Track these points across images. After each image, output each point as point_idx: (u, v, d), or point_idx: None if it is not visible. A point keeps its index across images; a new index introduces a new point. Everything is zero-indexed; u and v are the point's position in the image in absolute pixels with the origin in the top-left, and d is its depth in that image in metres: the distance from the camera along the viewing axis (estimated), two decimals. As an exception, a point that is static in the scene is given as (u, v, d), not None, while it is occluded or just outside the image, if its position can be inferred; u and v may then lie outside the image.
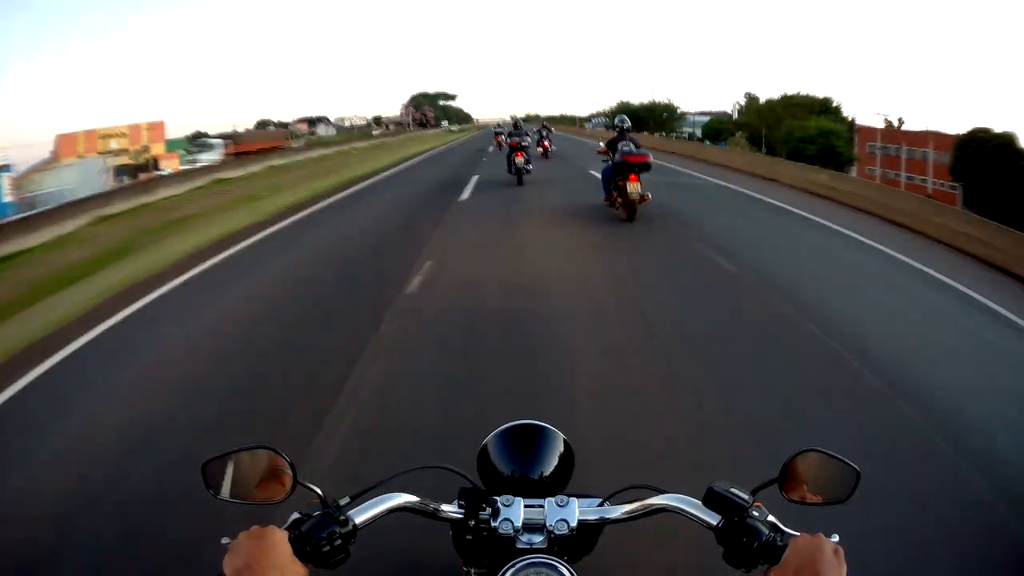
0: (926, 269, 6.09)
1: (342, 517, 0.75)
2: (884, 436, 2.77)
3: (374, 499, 0.81)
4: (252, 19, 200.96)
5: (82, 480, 2.53)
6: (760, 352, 3.66)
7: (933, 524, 2.17)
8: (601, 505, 0.87)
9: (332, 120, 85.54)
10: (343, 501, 0.77)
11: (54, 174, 21.39)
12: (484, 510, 0.83)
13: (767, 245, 6.86)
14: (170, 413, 3.06)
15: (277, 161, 19.86)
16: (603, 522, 0.86)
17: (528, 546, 0.81)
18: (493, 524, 0.82)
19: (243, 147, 32.46)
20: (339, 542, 0.74)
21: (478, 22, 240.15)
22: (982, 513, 2.28)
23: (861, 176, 24.02)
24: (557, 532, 0.82)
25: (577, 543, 0.85)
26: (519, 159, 11.22)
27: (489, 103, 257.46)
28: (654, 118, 47.11)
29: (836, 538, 0.70)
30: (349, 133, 64.53)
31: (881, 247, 6.91)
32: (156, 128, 31.87)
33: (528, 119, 58.48)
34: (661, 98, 50.62)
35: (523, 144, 11.40)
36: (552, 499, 0.85)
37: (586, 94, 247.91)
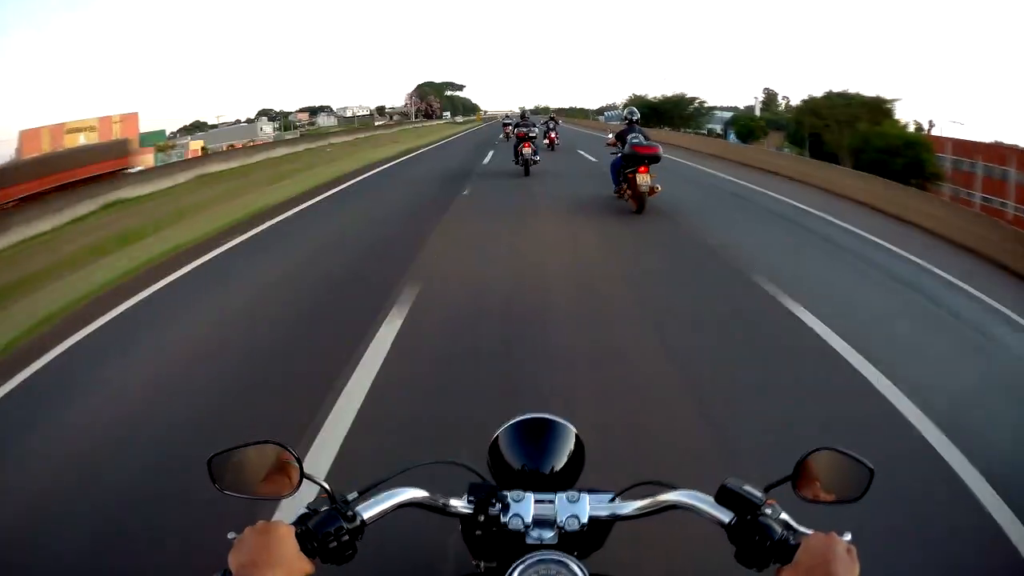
0: None
1: (350, 512, 0.76)
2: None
3: (382, 494, 0.81)
4: (259, 5, 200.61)
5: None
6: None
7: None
8: (612, 501, 0.88)
9: (335, 110, 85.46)
10: (351, 496, 0.78)
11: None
12: (494, 505, 0.83)
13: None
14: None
15: (213, 167, 14.94)
16: (614, 518, 0.86)
17: (538, 542, 0.82)
18: (503, 519, 0.83)
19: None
20: (347, 538, 0.74)
21: (488, 10, 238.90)
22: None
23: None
24: (568, 528, 0.82)
25: (587, 539, 0.86)
26: (526, 150, 11.34)
27: (498, 94, 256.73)
28: (679, 112, 44.75)
29: (848, 536, 0.70)
30: (348, 124, 64.33)
31: None
32: (129, 121, 28.42)
33: (537, 111, 58.13)
34: (674, 92, 48.60)
35: (530, 135, 11.52)
36: (563, 494, 0.85)
37: (597, 87, 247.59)
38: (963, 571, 2.00)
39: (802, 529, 0.75)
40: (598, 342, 3.66)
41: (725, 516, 0.79)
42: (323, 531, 0.73)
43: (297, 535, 0.71)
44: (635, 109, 8.40)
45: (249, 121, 72.61)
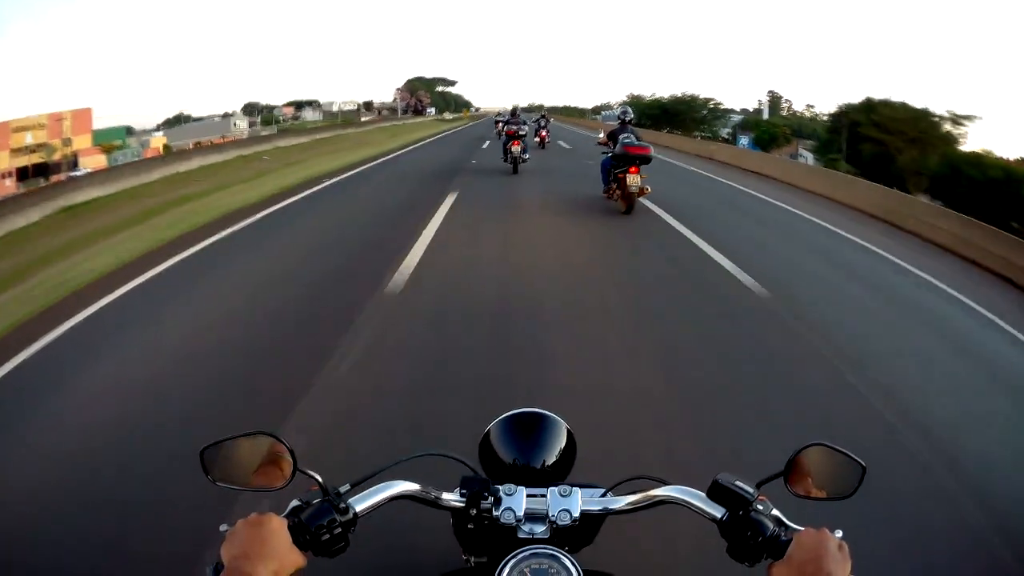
0: None
1: (342, 505, 0.77)
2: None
3: (375, 487, 0.82)
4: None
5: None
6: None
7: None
8: (604, 496, 0.90)
9: (323, 104, 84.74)
10: (343, 488, 0.79)
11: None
12: (486, 499, 0.85)
13: None
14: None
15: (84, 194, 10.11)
16: (606, 513, 0.88)
17: (530, 536, 0.84)
18: (495, 513, 0.84)
19: None
20: (339, 530, 0.76)
21: (482, 5, 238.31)
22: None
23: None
24: (560, 522, 0.84)
25: (578, 534, 0.88)
26: (515, 148, 11.42)
27: (490, 91, 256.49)
28: (691, 114, 41.48)
29: (840, 533, 0.73)
30: (333, 119, 63.04)
31: None
32: (81, 117, 26.34)
33: (531, 109, 57.72)
34: (684, 92, 44.87)
35: (520, 133, 11.56)
36: (555, 488, 0.87)
37: (592, 86, 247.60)
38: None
39: (793, 525, 0.77)
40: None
41: (717, 511, 0.80)
42: (315, 523, 0.74)
43: (289, 527, 0.72)
44: (628, 109, 8.46)
45: (226, 116, 70.38)
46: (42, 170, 24.11)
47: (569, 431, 1.06)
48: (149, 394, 3.12)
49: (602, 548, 0.94)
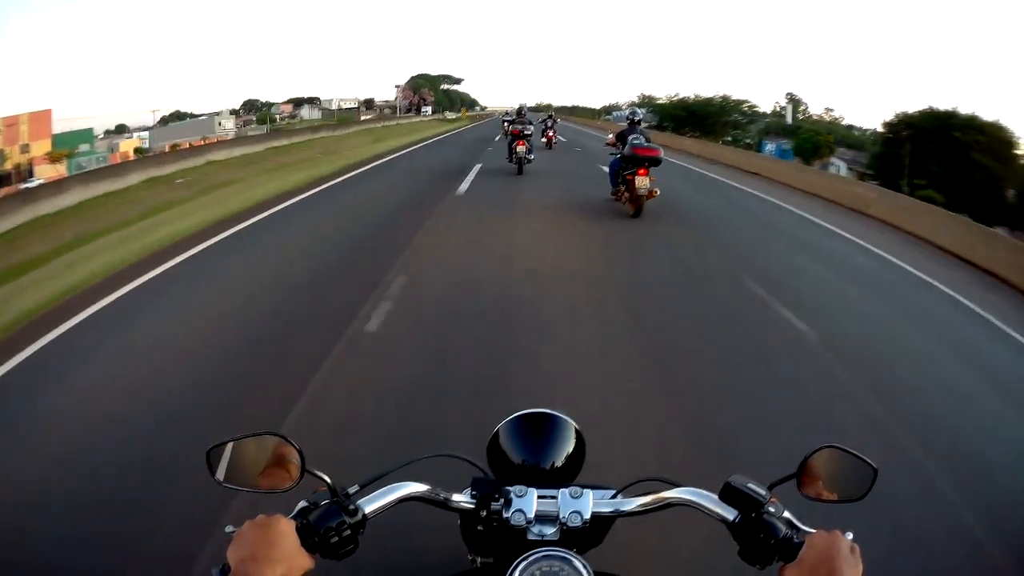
0: None
1: (351, 506, 0.78)
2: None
3: (383, 488, 0.84)
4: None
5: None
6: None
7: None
8: (614, 497, 0.91)
9: (324, 102, 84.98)
10: (352, 489, 0.80)
11: None
12: (496, 500, 0.86)
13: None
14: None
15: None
16: (617, 515, 0.89)
17: (540, 538, 0.85)
18: (505, 515, 0.86)
19: None
20: (348, 532, 0.77)
21: (490, 0, 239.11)
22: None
23: None
24: (570, 524, 0.85)
25: (587, 535, 0.89)
26: (520, 148, 11.57)
27: (498, 90, 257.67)
28: (722, 117, 37.76)
29: (851, 535, 0.74)
30: (329, 118, 61.93)
31: None
32: (40, 120, 24.46)
33: (539, 108, 57.72)
34: (680, 93, 41.36)
35: (525, 132, 11.70)
36: (566, 490, 0.88)
37: (601, 86, 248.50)
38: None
39: (805, 528, 0.78)
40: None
41: (729, 514, 0.82)
42: (324, 525, 0.75)
43: (297, 529, 0.73)
44: (637, 110, 8.65)
45: (216, 114, 67.84)
46: (4, 179, 22.48)
47: (578, 431, 1.08)
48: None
49: (613, 549, 0.96)
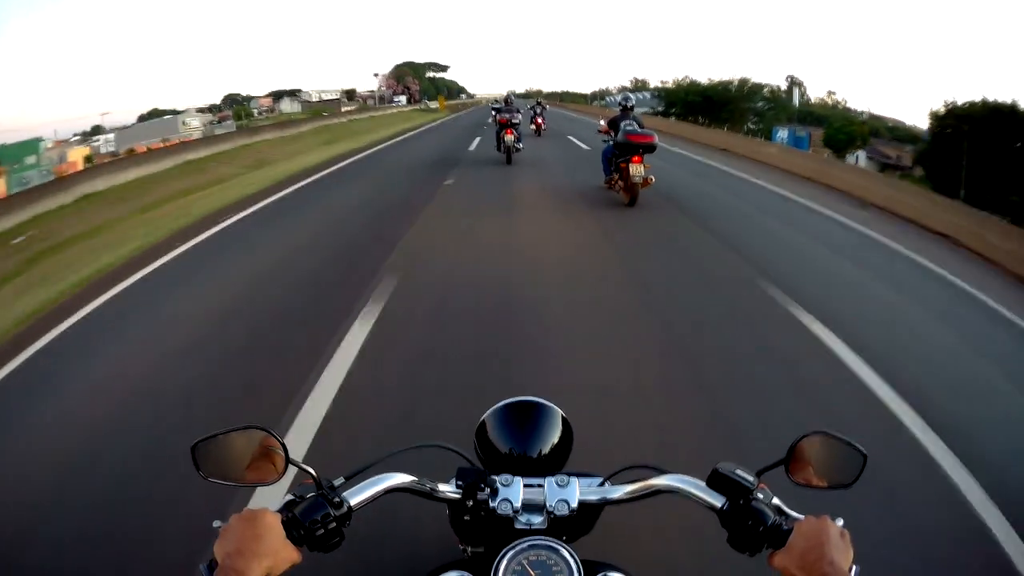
0: None
1: (336, 499, 0.80)
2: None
3: (369, 480, 0.86)
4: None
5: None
6: None
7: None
8: (602, 485, 0.93)
9: (306, 93, 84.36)
10: (337, 481, 0.82)
11: None
12: (482, 490, 0.88)
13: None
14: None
15: None
16: (604, 503, 0.92)
17: (527, 527, 0.87)
18: (492, 504, 0.88)
19: None
20: (333, 524, 0.79)
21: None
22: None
23: None
24: (557, 513, 0.87)
25: (576, 523, 0.91)
26: (508, 137, 11.58)
27: (486, 77, 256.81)
28: (743, 104, 34.82)
29: (841, 521, 0.76)
30: (307, 110, 60.73)
31: None
32: None
33: (529, 95, 57.57)
34: (733, 75, 38.94)
35: (513, 121, 11.72)
36: (552, 478, 0.91)
37: (591, 71, 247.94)
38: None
39: (794, 514, 0.80)
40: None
41: (717, 500, 0.84)
42: (309, 518, 0.77)
43: (283, 522, 0.75)
44: (630, 95, 8.66)
45: (160, 113, 64.58)
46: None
47: (565, 419, 1.10)
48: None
49: (601, 537, 0.99)
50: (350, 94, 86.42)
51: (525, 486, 0.90)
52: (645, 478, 0.91)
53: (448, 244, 6.07)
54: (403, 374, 3.33)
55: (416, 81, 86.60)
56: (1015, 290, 5.61)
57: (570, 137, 17.26)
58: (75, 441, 2.87)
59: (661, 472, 0.90)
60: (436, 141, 18.64)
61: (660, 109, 34.71)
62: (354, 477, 0.85)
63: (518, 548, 0.81)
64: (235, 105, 77.06)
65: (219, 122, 59.83)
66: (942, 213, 8.44)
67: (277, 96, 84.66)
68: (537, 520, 0.88)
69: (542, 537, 0.83)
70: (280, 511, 0.78)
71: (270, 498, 0.86)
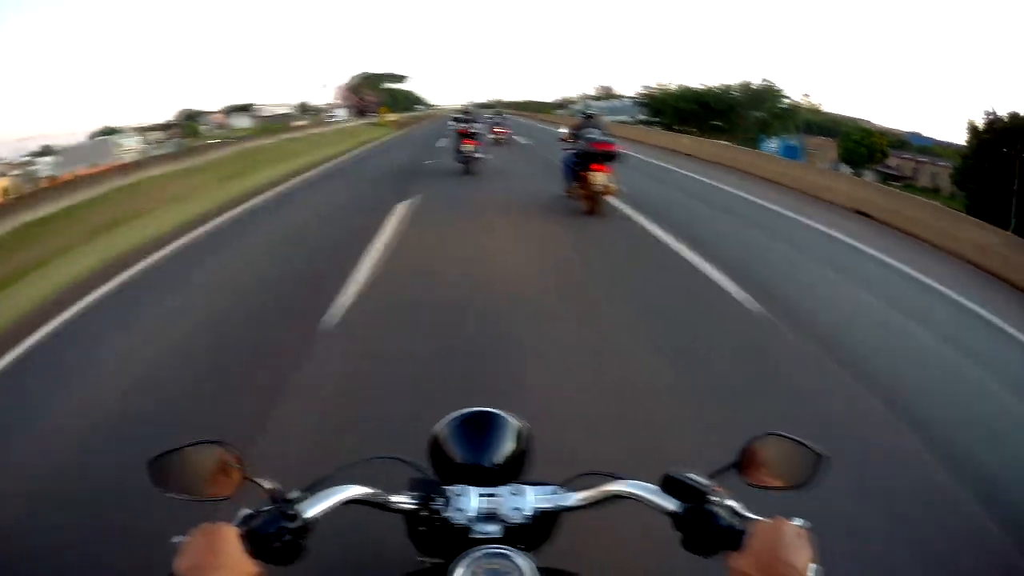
0: None
1: (291, 511, 0.83)
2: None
3: (324, 491, 0.89)
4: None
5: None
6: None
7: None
8: (555, 493, 0.97)
9: (259, 108, 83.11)
10: (293, 494, 0.85)
11: None
12: (436, 500, 0.93)
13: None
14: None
15: None
16: (559, 510, 0.96)
17: (483, 535, 0.91)
18: (446, 514, 0.92)
19: None
20: (289, 538, 0.81)
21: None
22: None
23: None
24: (512, 521, 0.91)
25: (534, 532, 0.96)
26: (467, 146, 11.74)
27: (446, 87, 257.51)
28: (751, 111, 30.21)
29: (799, 521, 0.79)
30: (265, 125, 59.51)
31: None
32: None
33: (491, 105, 57.57)
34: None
35: (472, 131, 11.92)
36: (507, 488, 0.95)
37: (556, 79, 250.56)
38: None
39: (750, 515, 0.82)
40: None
41: (671, 504, 0.87)
42: (266, 531, 0.80)
43: (242, 536, 0.78)
44: (591, 103, 8.86)
45: (110, 132, 60.81)
46: None
47: (521, 430, 1.15)
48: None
49: (559, 545, 1.03)
50: (303, 107, 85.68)
51: (480, 496, 0.94)
52: (600, 484, 0.94)
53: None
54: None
55: (373, 93, 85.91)
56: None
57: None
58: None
59: (616, 478, 0.94)
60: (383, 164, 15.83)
61: (642, 118, 31.40)
62: (311, 489, 0.88)
63: (471, 557, 0.84)
64: (187, 121, 75.41)
65: (171, 139, 57.70)
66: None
67: (231, 111, 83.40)
68: (493, 529, 0.91)
69: (497, 546, 0.86)
70: (238, 525, 0.80)
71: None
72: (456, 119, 13.05)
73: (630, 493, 0.92)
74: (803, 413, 3.27)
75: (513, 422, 1.15)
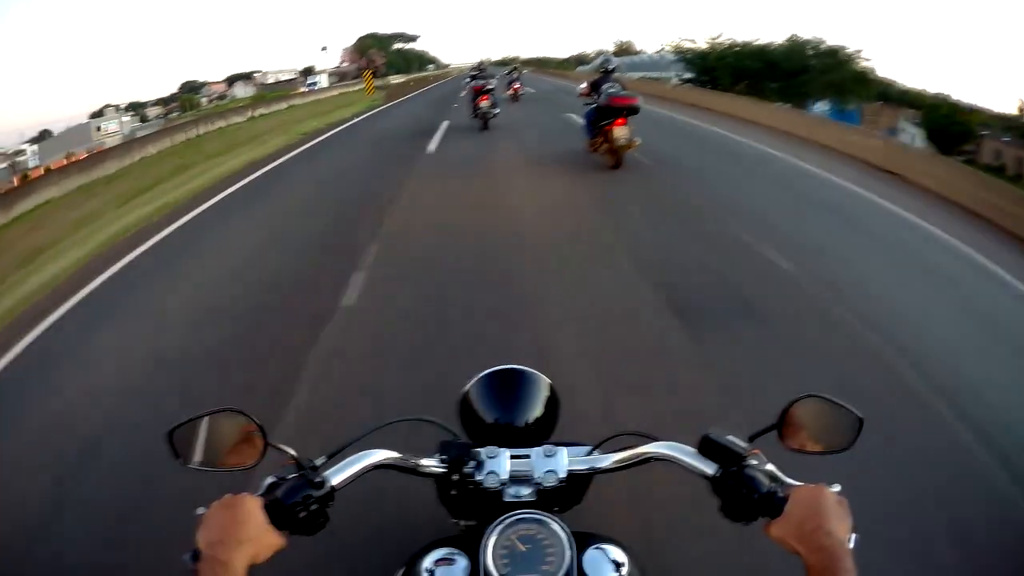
0: None
1: (318, 479, 0.82)
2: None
3: (350, 458, 0.88)
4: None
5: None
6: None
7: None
8: (590, 454, 0.96)
9: (262, 75, 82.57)
10: (318, 461, 0.84)
11: None
12: (467, 463, 0.92)
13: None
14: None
15: None
16: (593, 472, 0.95)
17: (516, 499, 0.91)
18: (478, 478, 0.91)
19: None
20: (316, 506, 0.81)
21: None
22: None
23: None
24: (545, 484, 0.91)
25: (566, 494, 0.95)
26: (483, 103, 12.23)
27: (459, 46, 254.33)
28: (832, 75, 24.86)
29: (838, 488, 0.79)
30: (268, 92, 57.65)
31: None
32: None
33: (505, 63, 57.20)
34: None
35: (487, 87, 12.32)
36: (539, 449, 0.94)
37: (572, 35, 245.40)
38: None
39: (789, 480, 0.82)
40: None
41: (709, 468, 0.85)
42: (291, 500, 0.80)
43: (265, 506, 0.78)
44: (612, 58, 8.85)
45: (97, 115, 58.23)
46: None
47: (552, 387, 1.14)
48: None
49: (591, 507, 1.02)
50: (308, 72, 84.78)
51: (512, 457, 0.93)
52: (635, 445, 0.93)
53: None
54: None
55: (382, 54, 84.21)
56: None
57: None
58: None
59: (651, 439, 0.93)
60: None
61: (689, 77, 27.47)
62: (335, 456, 0.87)
63: (506, 523, 0.84)
64: (186, 95, 75.34)
65: (165, 116, 56.28)
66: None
67: (233, 80, 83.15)
68: (525, 492, 0.91)
69: (531, 511, 0.86)
70: (261, 495, 0.80)
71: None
72: (472, 76, 13.38)
73: (667, 455, 0.90)
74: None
75: (543, 379, 1.14)
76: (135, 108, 72.45)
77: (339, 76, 74.85)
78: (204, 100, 75.02)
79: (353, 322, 3.93)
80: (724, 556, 1.89)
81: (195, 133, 17.69)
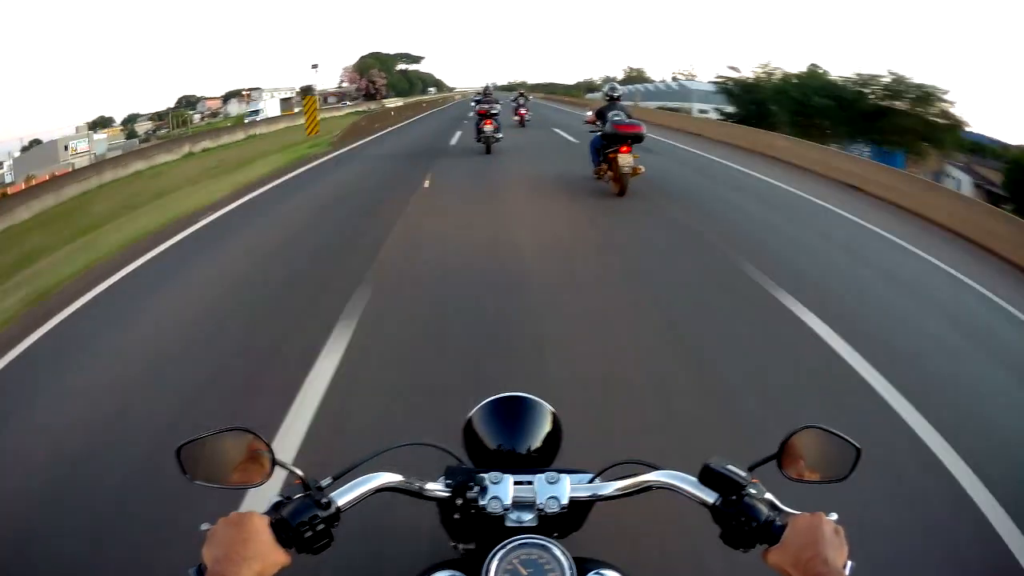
0: None
1: (324, 499, 0.86)
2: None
3: (356, 479, 0.92)
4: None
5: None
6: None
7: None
8: (592, 482, 1.00)
9: (257, 92, 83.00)
10: (324, 482, 0.89)
11: None
12: (471, 488, 0.96)
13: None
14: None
15: None
16: (595, 499, 0.99)
17: (518, 524, 0.94)
18: (481, 503, 0.95)
19: None
20: (322, 526, 0.85)
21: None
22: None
23: None
24: (548, 510, 0.95)
25: (566, 520, 0.99)
26: (487, 127, 12.82)
27: (464, 69, 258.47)
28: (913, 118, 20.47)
29: (835, 516, 0.83)
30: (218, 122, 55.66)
31: None
32: None
33: (512, 87, 58.26)
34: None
35: (492, 112, 12.83)
36: (542, 475, 0.98)
37: (580, 61, 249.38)
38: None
39: (788, 509, 0.86)
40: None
41: (709, 496, 0.90)
42: (297, 520, 0.84)
43: (271, 524, 0.82)
44: (616, 85, 9.11)
45: (103, 123, 58.74)
46: None
47: (554, 415, 1.19)
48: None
49: (592, 533, 1.06)
50: (307, 90, 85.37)
51: (515, 483, 0.97)
52: (636, 474, 0.98)
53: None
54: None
55: (383, 74, 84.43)
56: None
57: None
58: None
59: (652, 468, 0.97)
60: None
61: (724, 114, 24.32)
62: (341, 477, 0.91)
63: (509, 547, 0.88)
64: (178, 110, 75.63)
65: (155, 132, 55.49)
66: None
67: (229, 97, 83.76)
68: (527, 518, 0.95)
69: (533, 536, 0.89)
70: (268, 513, 0.84)
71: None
72: (476, 101, 14.18)
73: (668, 484, 0.95)
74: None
75: (546, 407, 1.19)
76: (131, 121, 72.41)
77: (339, 96, 74.85)
78: (197, 117, 75.31)
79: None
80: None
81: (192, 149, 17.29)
